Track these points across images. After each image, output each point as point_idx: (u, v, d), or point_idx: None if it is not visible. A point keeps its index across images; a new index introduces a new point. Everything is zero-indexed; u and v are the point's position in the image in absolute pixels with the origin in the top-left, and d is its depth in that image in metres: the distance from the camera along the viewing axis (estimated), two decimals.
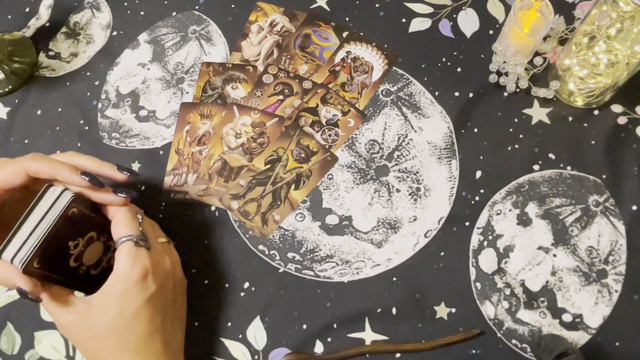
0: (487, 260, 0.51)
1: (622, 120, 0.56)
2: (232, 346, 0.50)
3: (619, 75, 0.51)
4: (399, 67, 0.59)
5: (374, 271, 0.52)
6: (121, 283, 0.42)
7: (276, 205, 0.54)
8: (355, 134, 0.57)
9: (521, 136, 0.56)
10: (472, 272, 0.51)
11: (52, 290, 0.42)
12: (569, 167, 0.54)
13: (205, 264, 0.53)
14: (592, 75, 0.53)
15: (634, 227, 0.52)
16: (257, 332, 0.51)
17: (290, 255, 0.53)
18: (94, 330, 0.42)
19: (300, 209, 0.54)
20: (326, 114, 0.58)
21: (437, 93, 0.58)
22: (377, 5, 0.62)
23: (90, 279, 0.46)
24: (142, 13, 0.64)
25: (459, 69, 0.59)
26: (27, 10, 0.66)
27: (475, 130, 0.56)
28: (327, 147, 0.56)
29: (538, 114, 0.56)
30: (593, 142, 0.55)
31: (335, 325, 0.50)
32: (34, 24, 0.65)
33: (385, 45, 0.60)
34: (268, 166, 0.56)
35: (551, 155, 0.55)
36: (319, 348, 0.50)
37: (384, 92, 0.58)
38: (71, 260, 0.44)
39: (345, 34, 0.61)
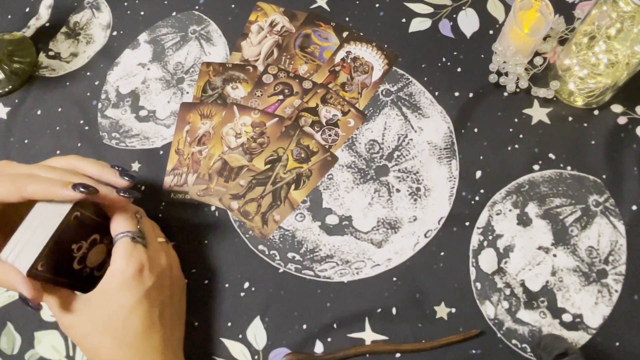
0: (487, 260, 0.51)
1: (622, 120, 0.56)
2: (232, 346, 0.50)
3: (619, 75, 0.51)
4: (399, 67, 0.59)
5: (374, 271, 0.52)
6: (117, 278, 0.42)
7: (276, 205, 0.54)
8: (355, 134, 0.57)
9: (521, 136, 0.56)
10: (472, 272, 0.51)
11: (56, 293, 0.43)
12: (569, 167, 0.54)
13: (205, 264, 0.53)
14: (592, 75, 0.53)
15: (634, 227, 0.52)
16: (257, 332, 0.51)
17: (290, 255, 0.53)
18: (92, 326, 0.42)
19: (300, 209, 0.54)
20: (326, 114, 0.58)
21: (437, 93, 0.58)
22: (377, 5, 0.62)
23: (95, 281, 0.46)
24: (142, 13, 0.64)
25: (459, 69, 0.59)
26: (27, 10, 0.66)
27: (475, 130, 0.56)
28: (327, 147, 0.56)
29: (538, 114, 0.56)
30: (593, 142, 0.55)
31: (335, 325, 0.50)
32: (34, 24, 0.65)
33: (385, 45, 0.60)
34: (268, 166, 0.56)
35: (551, 155, 0.55)
36: (319, 348, 0.50)
37: (384, 92, 0.58)
38: (75, 263, 0.44)
39: (345, 34, 0.61)
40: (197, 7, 0.64)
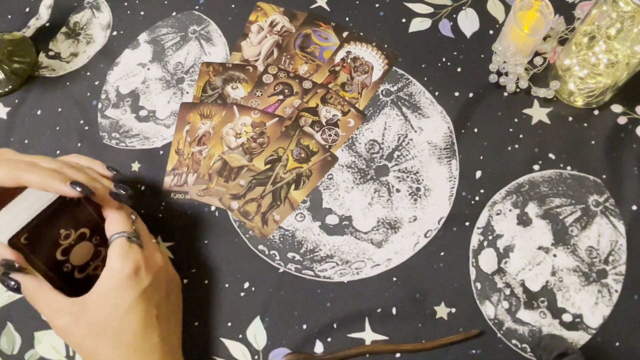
0: (487, 260, 0.51)
1: (622, 120, 0.56)
2: (232, 346, 0.50)
3: (619, 75, 0.51)
4: (399, 67, 0.59)
5: (374, 271, 0.52)
6: (114, 278, 0.42)
7: (276, 205, 0.54)
8: (355, 134, 0.57)
9: (521, 136, 0.56)
10: (472, 272, 0.51)
11: (49, 295, 0.42)
12: (569, 167, 0.54)
13: (205, 264, 0.53)
14: (592, 75, 0.53)
15: (634, 227, 0.52)
16: (257, 332, 0.51)
17: (290, 255, 0.53)
18: (90, 328, 0.42)
19: (300, 209, 0.54)
20: (326, 114, 0.58)
21: (437, 93, 0.58)
22: (377, 5, 0.62)
23: (72, 282, 0.45)
24: (142, 13, 0.64)
25: (459, 69, 0.59)
26: (27, 10, 0.66)
27: (475, 130, 0.56)
28: (327, 147, 0.56)
29: (538, 114, 0.56)
30: (593, 142, 0.55)
31: (335, 325, 0.50)
32: (34, 24, 0.65)
33: (385, 45, 0.60)
34: (268, 166, 0.56)
35: (551, 155, 0.55)
36: (319, 348, 0.50)
37: (384, 92, 0.58)
38: (59, 252, 0.43)
39: (345, 34, 0.61)
40: (197, 7, 0.64)
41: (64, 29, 0.65)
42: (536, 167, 0.54)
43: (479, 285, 0.51)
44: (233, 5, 0.64)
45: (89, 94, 0.61)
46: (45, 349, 0.52)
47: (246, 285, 0.52)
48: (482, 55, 0.59)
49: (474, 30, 0.61)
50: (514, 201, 0.53)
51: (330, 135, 0.57)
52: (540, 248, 0.52)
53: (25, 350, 0.52)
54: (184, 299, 0.50)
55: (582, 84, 0.54)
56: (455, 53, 0.60)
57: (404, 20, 0.61)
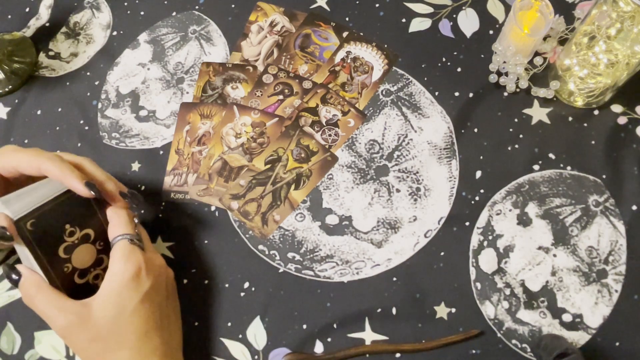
0: (487, 260, 0.51)
1: (622, 120, 0.56)
2: (232, 346, 0.50)
3: (619, 75, 0.51)
4: (399, 67, 0.59)
5: (374, 271, 0.52)
6: (117, 280, 0.42)
7: (276, 205, 0.54)
8: (355, 134, 0.57)
9: (521, 136, 0.56)
10: (472, 272, 0.51)
11: (48, 291, 0.42)
12: (569, 167, 0.54)
13: (205, 264, 0.53)
14: (592, 75, 0.53)
15: (634, 227, 0.52)
16: (257, 332, 0.51)
17: (290, 255, 0.53)
18: (95, 331, 0.42)
19: (300, 209, 0.54)
20: (326, 114, 0.58)
21: (437, 93, 0.58)
22: (377, 5, 0.62)
23: (71, 286, 0.44)
24: (142, 13, 0.64)
25: (459, 69, 0.59)
26: (27, 10, 0.66)
27: (475, 130, 0.56)
28: (327, 147, 0.56)
29: (538, 114, 0.56)
30: (593, 142, 0.55)
31: (335, 325, 0.50)
32: (34, 24, 0.65)
33: (385, 45, 0.60)
34: (268, 166, 0.56)
35: (551, 155, 0.55)
36: (319, 348, 0.50)
37: (384, 92, 0.58)
38: (61, 249, 0.43)
39: (345, 34, 0.61)
40: (197, 7, 0.64)
41: (64, 29, 0.65)
42: (536, 167, 0.54)
43: (479, 285, 0.51)
44: (233, 5, 0.64)
45: (89, 94, 0.61)
46: (45, 349, 0.52)
47: (246, 285, 0.52)
48: (482, 55, 0.59)
49: (474, 30, 0.61)
50: (514, 201, 0.53)
51: (330, 135, 0.57)
52: (540, 248, 0.52)
53: (25, 350, 0.52)
54: (184, 299, 0.50)
55: (582, 84, 0.54)
56: (455, 53, 0.60)
57: (404, 20, 0.61)
